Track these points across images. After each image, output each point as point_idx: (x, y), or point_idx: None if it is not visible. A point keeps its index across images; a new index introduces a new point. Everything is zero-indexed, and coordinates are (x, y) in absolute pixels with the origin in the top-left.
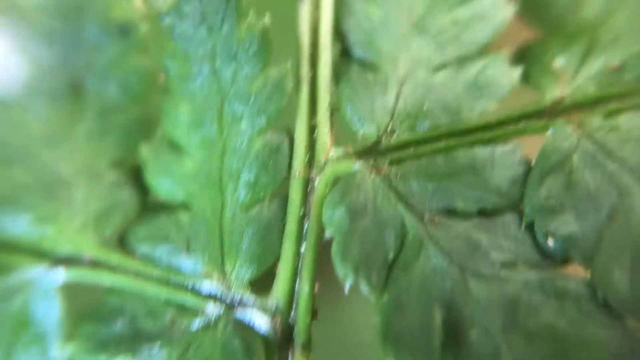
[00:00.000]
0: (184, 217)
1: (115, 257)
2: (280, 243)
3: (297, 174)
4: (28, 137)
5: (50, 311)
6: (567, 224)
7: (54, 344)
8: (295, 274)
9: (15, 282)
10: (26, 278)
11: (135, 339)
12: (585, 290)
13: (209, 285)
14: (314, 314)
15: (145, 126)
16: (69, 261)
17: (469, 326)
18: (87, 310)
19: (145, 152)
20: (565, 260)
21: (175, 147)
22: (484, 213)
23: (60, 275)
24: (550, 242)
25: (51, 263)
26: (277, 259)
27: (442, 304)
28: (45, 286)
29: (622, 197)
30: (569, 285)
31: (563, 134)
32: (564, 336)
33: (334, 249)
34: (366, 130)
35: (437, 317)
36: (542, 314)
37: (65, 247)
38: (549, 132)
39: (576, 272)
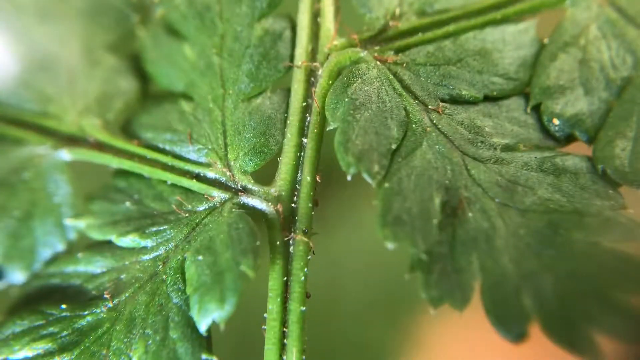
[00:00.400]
0: (186, 106)
1: (119, 142)
2: (283, 134)
3: (300, 63)
4: (18, 9)
5: (60, 185)
6: (574, 103)
7: (67, 217)
8: (297, 164)
9: (25, 155)
10: (35, 153)
11: (144, 218)
12: (584, 165)
13: (214, 173)
14: (315, 202)
15: (140, 8)
16: (73, 140)
17: (467, 206)
18: (95, 191)
19: (143, 36)
20: (568, 139)
21: (173, 32)
22: (490, 98)
23: (66, 153)
24: (556, 122)
25: (57, 141)
26: (280, 150)
27: (442, 187)
28: (54, 161)
29: (637, 67)
30: (567, 162)
31: (583, 4)
32: (557, 208)
33: (337, 139)
34: (374, 15)
35: (436, 199)
36: (539, 190)
37: (69, 127)
38: (567, 3)
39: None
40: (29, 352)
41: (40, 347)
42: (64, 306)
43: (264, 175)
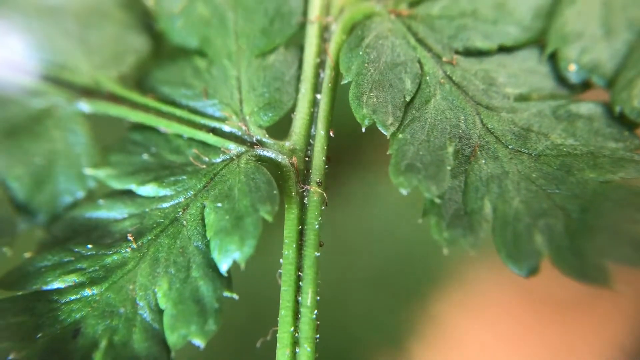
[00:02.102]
0: (200, 62)
1: (135, 95)
2: (297, 90)
3: (314, 18)
4: None
5: (79, 135)
6: (593, 47)
7: (86, 167)
8: (311, 119)
9: (44, 105)
10: (53, 103)
11: (162, 169)
12: (598, 110)
13: (229, 127)
14: (327, 159)
15: None
16: (89, 93)
17: (480, 154)
18: (112, 144)
19: None
20: (583, 87)
21: None
22: (504, 49)
23: (84, 104)
24: (573, 68)
25: (72, 93)
26: (294, 105)
27: (455, 137)
28: (72, 112)
29: None
30: (581, 108)
31: None
32: (570, 152)
33: (352, 92)
34: None
35: (449, 148)
36: (552, 136)
37: (84, 80)
38: None
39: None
40: (60, 283)
41: (71, 279)
42: (89, 246)
43: (279, 131)
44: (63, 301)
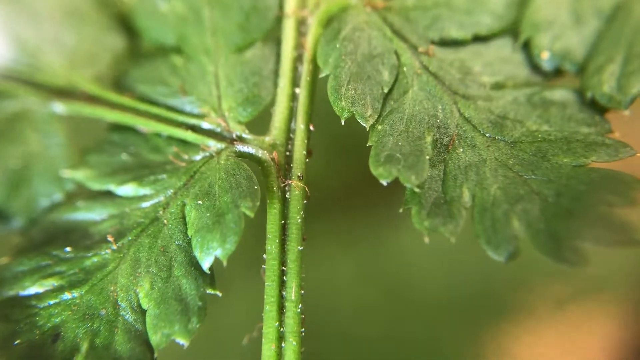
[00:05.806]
0: (177, 60)
1: (112, 95)
2: (275, 84)
3: (290, 11)
4: None
5: (55, 137)
6: (564, 34)
7: (64, 171)
8: (290, 113)
9: (18, 108)
10: (27, 105)
11: (141, 168)
12: (571, 96)
13: (209, 124)
14: (308, 152)
15: None
16: (65, 94)
17: (458, 142)
18: (90, 145)
19: None
20: (556, 73)
21: None
22: (479, 38)
23: (59, 105)
24: (545, 55)
25: (47, 94)
26: (273, 100)
27: (433, 127)
28: (47, 114)
29: None
30: (555, 95)
31: None
32: (545, 137)
33: (330, 85)
34: None
35: (428, 137)
36: (527, 122)
37: (58, 80)
38: None
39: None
40: (39, 288)
41: (50, 283)
42: (68, 249)
43: (259, 126)
44: (41, 306)
